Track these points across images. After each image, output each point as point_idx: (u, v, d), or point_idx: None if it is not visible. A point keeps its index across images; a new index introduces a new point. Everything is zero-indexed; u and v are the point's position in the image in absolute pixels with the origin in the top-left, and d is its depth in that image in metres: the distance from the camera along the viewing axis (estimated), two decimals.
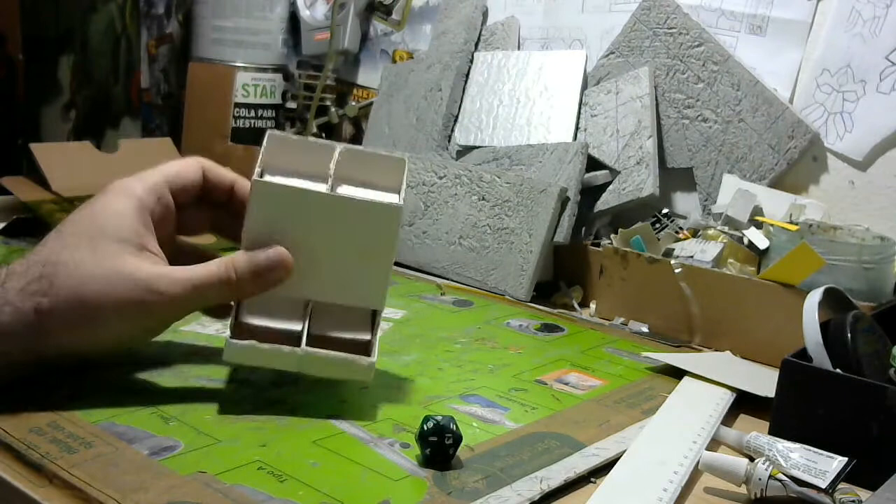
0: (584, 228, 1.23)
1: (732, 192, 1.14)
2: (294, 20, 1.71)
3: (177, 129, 1.73)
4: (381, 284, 0.81)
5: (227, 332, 0.77)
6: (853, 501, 0.66)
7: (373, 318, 0.83)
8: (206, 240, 1.33)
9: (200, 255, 0.86)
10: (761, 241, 1.07)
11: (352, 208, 0.79)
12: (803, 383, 0.76)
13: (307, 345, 0.78)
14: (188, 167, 0.82)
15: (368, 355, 0.79)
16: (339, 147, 0.83)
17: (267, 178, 0.81)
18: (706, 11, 1.24)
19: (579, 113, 1.29)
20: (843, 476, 0.67)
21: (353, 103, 1.60)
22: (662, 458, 0.72)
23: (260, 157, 0.81)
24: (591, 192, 1.23)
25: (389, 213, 0.80)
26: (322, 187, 0.81)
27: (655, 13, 1.26)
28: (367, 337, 0.82)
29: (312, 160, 0.83)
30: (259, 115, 1.66)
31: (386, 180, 0.84)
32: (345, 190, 0.83)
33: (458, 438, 0.69)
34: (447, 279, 1.26)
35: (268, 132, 0.83)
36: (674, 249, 1.11)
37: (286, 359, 0.77)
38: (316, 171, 0.82)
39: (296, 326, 0.80)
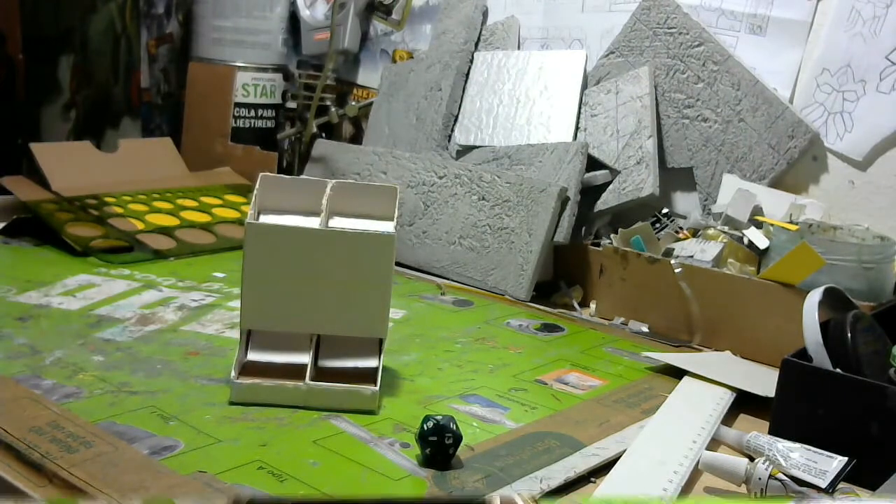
0: (584, 228, 1.23)
1: (732, 192, 1.14)
2: (294, 20, 1.71)
3: (177, 129, 1.73)
4: (382, 313, 0.82)
5: (233, 374, 0.78)
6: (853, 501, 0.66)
7: (379, 346, 0.83)
8: (206, 239, 1.34)
9: None
10: (761, 241, 1.06)
11: (345, 240, 0.80)
12: (803, 383, 0.76)
13: (314, 377, 0.79)
14: None
15: (374, 383, 0.79)
16: (331, 182, 0.85)
17: (262, 218, 0.82)
18: (706, 11, 1.24)
19: (579, 113, 1.29)
20: (843, 476, 0.67)
21: (353, 103, 1.60)
22: (662, 458, 0.72)
23: (254, 199, 0.82)
24: (591, 192, 1.23)
25: (383, 243, 0.80)
26: (315, 222, 0.82)
27: (655, 13, 1.26)
28: (374, 364, 0.82)
29: (306, 197, 0.84)
30: (259, 114, 1.66)
31: (379, 209, 0.86)
32: (338, 223, 0.84)
33: (458, 438, 0.69)
34: (447, 279, 1.26)
35: (260, 175, 0.85)
36: (674, 249, 1.11)
37: (291, 394, 0.78)
38: (310, 207, 0.84)
39: (303, 359, 0.81)
